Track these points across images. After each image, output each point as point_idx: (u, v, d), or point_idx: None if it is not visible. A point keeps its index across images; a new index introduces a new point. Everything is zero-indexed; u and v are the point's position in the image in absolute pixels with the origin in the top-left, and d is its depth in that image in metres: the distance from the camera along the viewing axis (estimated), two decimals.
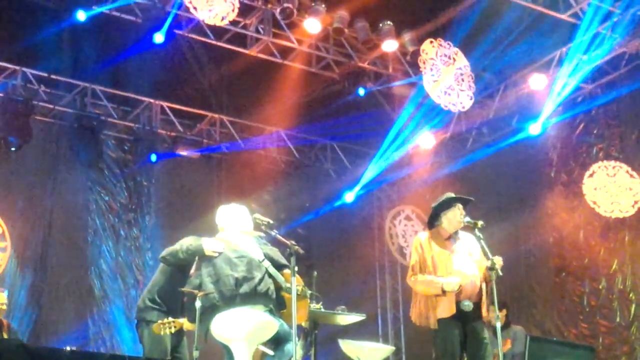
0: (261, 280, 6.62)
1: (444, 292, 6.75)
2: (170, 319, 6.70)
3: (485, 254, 6.86)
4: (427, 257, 6.93)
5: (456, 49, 11.19)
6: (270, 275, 6.73)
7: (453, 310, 6.73)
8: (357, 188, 13.85)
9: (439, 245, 6.98)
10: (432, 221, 7.17)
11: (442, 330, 6.78)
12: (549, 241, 12.67)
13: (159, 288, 7.17)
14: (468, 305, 6.72)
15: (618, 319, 11.61)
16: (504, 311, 9.61)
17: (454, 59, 11.22)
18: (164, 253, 7.08)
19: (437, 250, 6.94)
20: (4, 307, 9.09)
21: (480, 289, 6.83)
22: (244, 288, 6.55)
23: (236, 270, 6.62)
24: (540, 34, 11.51)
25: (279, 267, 6.83)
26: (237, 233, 6.94)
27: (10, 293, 10.53)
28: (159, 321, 6.69)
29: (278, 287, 6.78)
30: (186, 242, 6.92)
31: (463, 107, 11.30)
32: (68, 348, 8.65)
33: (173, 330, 6.66)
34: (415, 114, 12.86)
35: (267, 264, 6.73)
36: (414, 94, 12.59)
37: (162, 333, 6.66)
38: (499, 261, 6.76)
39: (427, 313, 6.87)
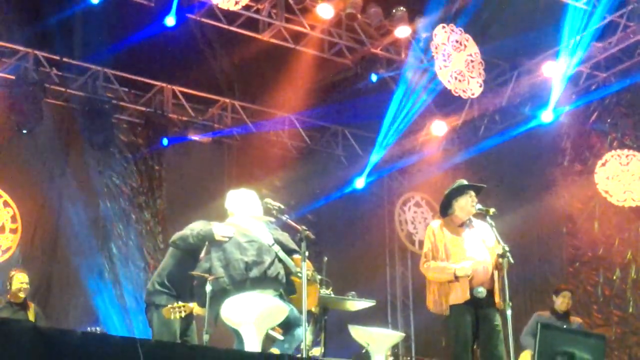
0: (271, 264, 6.64)
1: (456, 277, 6.75)
2: (180, 303, 6.71)
3: (497, 241, 6.85)
4: (440, 244, 6.93)
5: (467, 36, 11.13)
6: (280, 260, 6.74)
7: (466, 297, 6.72)
8: (366, 173, 13.83)
9: (452, 233, 6.98)
10: (445, 209, 7.17)
11: (454, 317, 6.78)
12: (562, 231, 12.62)
13: (168, 272, 7.17)
14: (481, 291, 6.72)
15: (631, 309, 11.57)
16: (569, 298, 9.68)
17: (465, 46, 11.16)
18: (174, 237, 7.09)
19: (449, 237, 6.95)
20: (26, 285, 9.13)
21: (493, 276, 6.82)
22: (254, 272, 6.56)
23: (246, 255, 6.63)
24: (554, 21, 11.43)
25: (289, 252, 6.84)
26: (247, 218, 6.94)
27: None
28: (169, 305, 6.70)
29: (288, 272, 6.79)
30: (196, 227, 6.92)
31: (473, 94, 11.25)
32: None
33: (183, 314, 6.67)
34: (420, 97, 12.80)
35: (276, 248, 6.75)
36: (425, 79, 12.55)
37: (172, 317, 6.67)
38: (504, 246, 6.76)
39: (441, 300, 6.87)
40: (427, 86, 12.60)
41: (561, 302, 9.66)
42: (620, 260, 11.81)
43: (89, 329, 9.10)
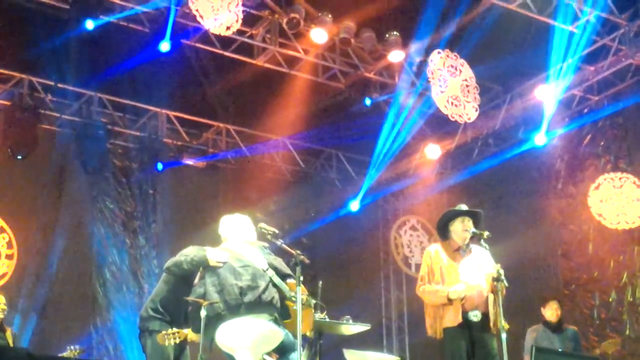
0: (265, 289, 6.63)
1: (450, 300, 6.78)
2: (175, 329, 6.68)
3: (493, 265, 6.88)
4: (436, 268, 7.00)
5: (462, 60, 11.20)
6: (275, 285, 6.73)
7: (459, 320, 6.75)
8: (361, 196, 13.84)
9: (449, 257, 7.06)
10: (442, 233, 7.25)
11: (448, 340, 6.81)
12: (557, 253, 12.63)
13: (161, 297, 7.15)
14: (476, 315, 6.74)
15: (628, 332, 11.56)
16: (557, 307, 9.61)
17: (460, 70, 11.22)
18: (168, 264, 7.07)
19: (445, 261, 7.01)
20: (4, 306, 9.04)
21: (488, 300, 6.84)
22: (249, 297, 6.54)
23: (240, 280, 6.62)
24: (547, 44, 11.51)
25: (284, 276, 6.83)
26: (241, 243, 6.94)
27: (16, 301, 10.57)
28: (164, 332, 6.67)
29: (282, 297, 6.78)
30: (190, 253, 6.90)
31: (469, 119, 11.30)
32: (73, 348, 8.69)
33: (177, 340, 6.63)
34: (411, 121, 12.86)
35: (271, 273, 6.73)
36: (418, 103, 12.60)
37: (166, 344, 6.64)
38: (497, 267, 6.77)
39: (435, 323, 6.91)
40: (420, 109, 12.64)
41: (550, 313, 9.60)
42: (616, 282, 11.81)
43: (68, 348, 9.01)
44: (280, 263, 6.89)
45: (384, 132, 12.86)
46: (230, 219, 7.15)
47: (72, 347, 8.97)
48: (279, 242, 6.86)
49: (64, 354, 8.76)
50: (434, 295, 6.92)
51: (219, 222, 7.18)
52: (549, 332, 9.48)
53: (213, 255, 6.76)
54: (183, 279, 6.99)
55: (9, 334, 9.04)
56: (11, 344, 8.85)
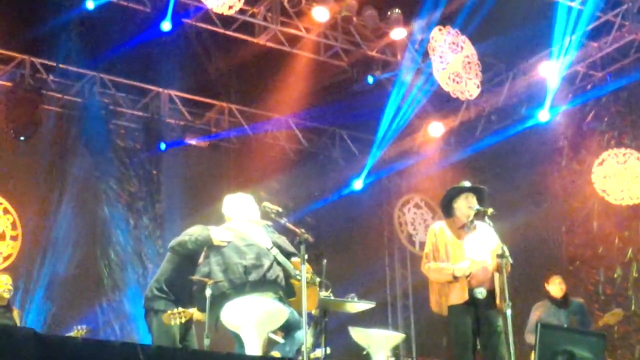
0: (270, 267, 6.64)
1: (455, 278, 6.78)
2: (180, 308, 6.70)
3: (497, 242, 6.88)
4: (441, 245, 6.98)
5: (464, 37, 11.16)
6: (279, 263, 6.74)
7: (465, 297, 6.75)
8: (364, 175, 13.84)
9: (453, 234, 7.04)
10: (447, 210, 7.23)
11: (454, 318, 6.81)
12: (561, 230, 12.62)
13: (166, 277, 7.16)
14: (481, 292, 6.75)
15: (633, 307, 11.56)
16: (561, 282, 9.60)
17: (462, 47, 11.18)
18: (172, 243, 7.08)
19: (450, 238, 7.00)
20: (10, 287, 9.07)
21: (493, 277, 6.84)
22: (253, 276, 6.56)
23: (245, 258, 6.63)
24: (549, 20, 11.45)
25: (288, 255, 6.84)
26: (244, 222, 6.94)
27: (21, 281, 10.60)
28: (169, 311, 6.69)
29: (287, 275, 6.79)
30: (194, 232, 6.92)
31: (471, 96, 11.27)
32: (79, 327, 8.74)
33: (183, 320, 6.65)
34: (415, 99, 12.83)
35: (275, 251, 6.74)
36: (421, 81, 12.57)
37: (172, 323, 6.66)
38: (501, 244, 6.78)
39: (441, 300, 6.92)
40: (422, 87, 12.61)
41: (554, 288, 9.58)
42: (621, 258, 11.80)
43: (75, 328, 9.05)
44: (284, 241, 6.90)
45: (389, 111, 12.83)
46: (234, 198, 7.16)
47: (78, 327, 9.01)
48: (283, 221, 6.87)
49: (71, 334, 8.79)
50: (439, 273, 6.91)
51: (222, 201, 7.18)
52: (555, 308, 9.47)
53: (217, 234, 6.77)
54: (187, 258, 7.01)
55: (15, 314, 9.08)
56: (18, 324, 8.90)
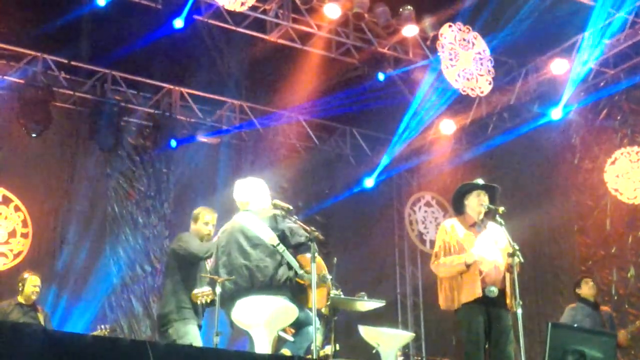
0: (276, 268, 6.56)
1: (467, 266, 6.71)
2: (209, 289, 6.71)
3: (508, 241, 6.82)
4: (452, 241, 6.91)
5: (475, 33, 11.10)
6: (286, 261, 6.63)
7: (478, 293, 6.68)
8: (376, 173, 13.82)
9: (465, 230, 6.97)
10: (457, 206, 7.19)
11: (466, 316, 6.75)
12: (573, 229, 12.54)
13: (180, 289, 7.19)
14: (493, 291, 6.68)
15: None
16: (594, 285, 9.57)
17: (473, 44, 11.12)
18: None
19: (462, 235, 6.94)
20: (38, 289, 9.19)
21: (505, 277, 6.79)
22: (259, 277, 6.50)
23: (249, 260, 6.57)
24: (562, 18, 11.39)
25: (298, 245, 6.71)
26: (249, 216, 6.82)
27: None
28: (198, 291, 6.78)
29: (295, 273, 6.70)
30: (191, 246, 7.11)
31: (482, 92, 11.21)
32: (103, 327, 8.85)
33: (209, 299, 6.71)
34: (431, 98, 12.78)
35: (281, 248, 6.60)
36: (433, 79, 12.51)
37: (200, 302, 6.79)
38: (512, 243, 6.74)
39: (452, 295, 6.85)
40: (437, 86, 12.55)
41: (587, 289, 9.54)
42: (634, 258, 11.69)
43: (99, 327, 9.12)
44: (298, 228, 6.67)
45: (410, 110, 12.79)
46: (245, 183, 7.04)
47: (102, 327, 9.11)
48: (293, 219, 6.79)
49: (95, 333, 8.86)
50: (449, 266, 6.83)
51: (232, 200, 7.12)
52: (590, 310, 9.41)
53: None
54: (183, 267, 7.15)
55: (40, 314, 9.15)
56: (42, 324, 8.95)
